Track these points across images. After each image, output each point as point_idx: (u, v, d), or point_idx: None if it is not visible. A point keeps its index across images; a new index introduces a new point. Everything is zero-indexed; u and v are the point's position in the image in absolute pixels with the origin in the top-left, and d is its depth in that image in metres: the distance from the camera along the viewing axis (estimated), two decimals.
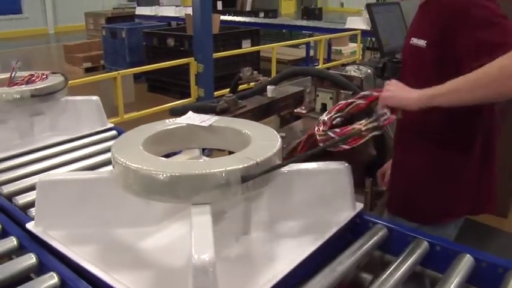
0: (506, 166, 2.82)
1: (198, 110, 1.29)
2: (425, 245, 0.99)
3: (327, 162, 1.08)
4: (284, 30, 9.02)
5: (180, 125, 1.11)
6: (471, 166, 1.25)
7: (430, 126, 1.23)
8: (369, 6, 2.36)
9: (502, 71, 0.97)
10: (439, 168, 1.26)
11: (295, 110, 1.98)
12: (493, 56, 0.98)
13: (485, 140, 1.25)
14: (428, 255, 0.97)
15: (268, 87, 2.11)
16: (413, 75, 1.25)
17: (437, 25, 1.15)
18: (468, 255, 0.94)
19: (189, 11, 6.69)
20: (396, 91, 1.10)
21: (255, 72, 2.09)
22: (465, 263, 0.92)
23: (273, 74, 5.97)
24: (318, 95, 1.85)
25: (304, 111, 1.93)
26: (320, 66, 6.57)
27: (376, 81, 2.08)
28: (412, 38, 1.23)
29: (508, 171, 2.79)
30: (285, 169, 1.01)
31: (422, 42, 1.20)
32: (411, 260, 0.94)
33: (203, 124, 1.10)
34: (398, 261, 0.93)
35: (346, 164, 1.07)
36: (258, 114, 1.97)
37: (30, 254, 0.92)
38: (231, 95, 1.90)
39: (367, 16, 2.88)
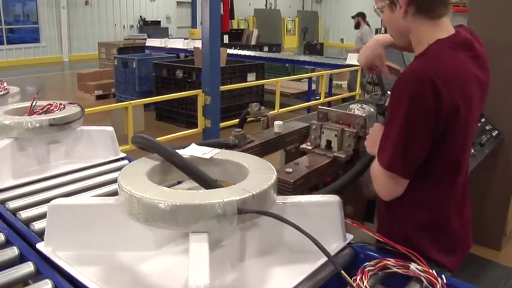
0: (500, 203, 2.89)
1: (214, 144, 1.35)
2: None
3: (319, 195, 1.14)
4: (287, 65, 9.27)
5: (184, 156, 1.18)
6: None
7: None
8: None
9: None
10: None
11: (301, 146, 1.99)
12: None
13: None
14: None
15: (275, 122, 2.18)
16: None
17: None
18: None
19: (197, 44, 6.90)
20: (367, 142, 1.36)
21: (263, 107, 2.13)
22: None
23: (277, 106, 6.16)
24: (323, 132, 1.83)
25: (309, 148, 1.92)
26: (322, 99, 6.84)
27: (378, 118, 2.10)
28: None
29: (501, 208, 2.89)
30: (280, 201, 1.08)
31: None
32: None
33: (205, 156, 1.16)
34: None
35: (337, 197, 1.13)
36: (265, 149, 2.01)
37: (47, 280, 0.96)
38: (240, 130, 1.92)
39: None
